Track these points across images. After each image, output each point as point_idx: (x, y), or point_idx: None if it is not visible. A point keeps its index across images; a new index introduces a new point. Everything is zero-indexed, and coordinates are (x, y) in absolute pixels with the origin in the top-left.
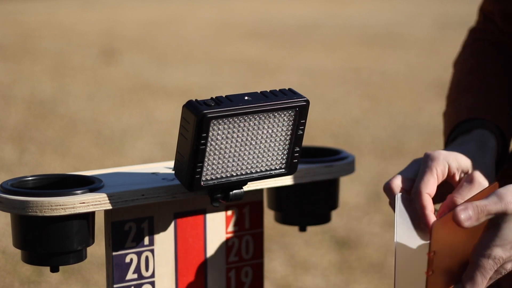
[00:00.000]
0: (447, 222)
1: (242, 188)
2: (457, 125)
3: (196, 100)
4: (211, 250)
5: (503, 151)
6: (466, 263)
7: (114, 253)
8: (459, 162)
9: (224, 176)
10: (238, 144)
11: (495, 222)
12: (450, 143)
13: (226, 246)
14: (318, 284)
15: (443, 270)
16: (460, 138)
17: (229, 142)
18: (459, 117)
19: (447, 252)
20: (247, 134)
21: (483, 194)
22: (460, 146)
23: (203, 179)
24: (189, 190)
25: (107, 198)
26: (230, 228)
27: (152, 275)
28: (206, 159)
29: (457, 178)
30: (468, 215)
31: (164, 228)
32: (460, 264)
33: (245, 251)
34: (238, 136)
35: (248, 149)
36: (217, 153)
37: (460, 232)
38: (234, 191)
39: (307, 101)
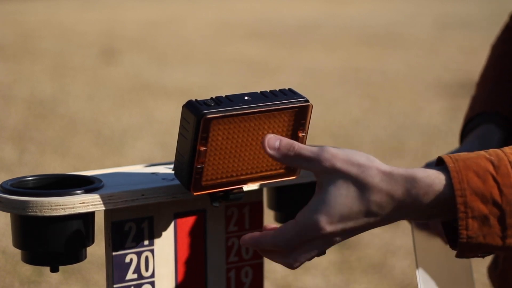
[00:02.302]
0: (229, 123)
1: (242, 188)
2: (470, 120)
3: (196, 100)
4: (211, 250)
5: None
6: (247, 165)
7: (114, 253)
8: None
9: (224, 176)
10: (238, 145)
11: (322, 185)
12: (462, 140)
13: (226, 246)
14: (318, 284)
15: (216, 166)
16: (469, 135)
17: (229, 142)
18: (472, 111)
19: (225, 151)
20: (247, 134)
21: None
22: (464, 147)
23: (203, 179)
24: (189, 190)
25: (107, 198)
26: (230, 228)
27: (152, 275)
28: (206, 159)
29: None
30: (276, 144)
31: (164, 228)
32: (237, 164)
33: (245, 251)
34: (238, 136)
35: (248, 149)
36: (217, 153)
37: (242, 137)
38: (234, 192)
39: (307, 101)
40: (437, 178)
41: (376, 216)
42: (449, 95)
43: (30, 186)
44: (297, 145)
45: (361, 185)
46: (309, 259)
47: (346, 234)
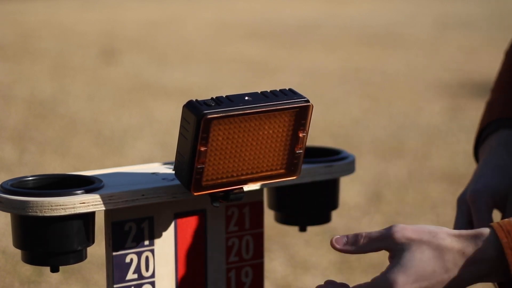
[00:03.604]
0: (230, 123)
1: (242, 189)
2: (488, 124)
3: (196, 100)
4: (211, 250)
5: None
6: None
7: (114, 253)
8: (501, 190)
9: (224, 176)
10: (239, 145)
11: (396, 254)
12: (482, 143)
13: (226, 246)
14: (318, 284)
15: (216, 166)
16: (489, 140)
17: (230, 142)
18: (490, 116)
19: (225, 151)
20: (248, 135)
21: None
22: (491, 157)
23: (203, 179)
24: (189, 190)
25: (107, 198)
26: (230, 228)
27: (152, 275)
28: (206, 159)
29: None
30: (343, 240)
31: (164, 228)
32: (237, 164)
33: (245, 251)
34: (238, 136)
35: (248, 149)
36: (217, 153)
37: (242, 137)
38: (234, 192)
39: (308, 101)
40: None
41: (451, 273)
42: (449, 95)
43: (30, 186)
44: (364, 232)
45: (434, 248)
46: None
47: None
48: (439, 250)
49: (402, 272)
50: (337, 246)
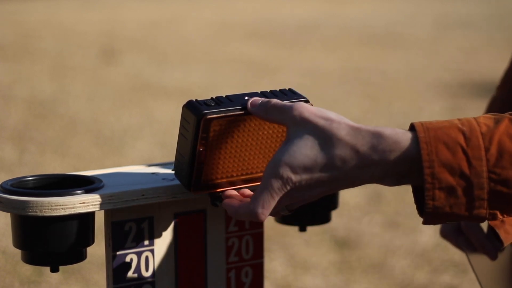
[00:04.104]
0: (230, 123)
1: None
2: None
3: (196, 100)
4: (211, 250)
5: None
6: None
7: (114, 253)
8: None
9: (224, 176)
10: (238, 145)
11: (288, 137)
12: None
13: (226, 246)
14: (318, 284)
15: (216, 165)
16: None
17: (229, 142)
18: (490, 110)
19: (225, 151)
20: (247, 134)
21: None
22: None
23: (203, 179)
24: (189, 190)
25: (107, 198)
26: (230, 228)
27: (152, 275)
28: (206, 159)
29: None
30: (258, 102)
31: (164, 228)
32: (237, 164)
33: (245, 251)
34: (238, 136)
35: (248, 149)
36: (217, 153)
37: (242, 137)
38: None
39: (308, 101)
40: (404, 135)
41: (339, 170)
42: (449, 95)
43: (30, 186)
44: (274, 99)
45: (326, 137)
46: (276, 213)
47: (312, 188)
48: (331, 141)
49: (289, 162)
50: (249, 107)
